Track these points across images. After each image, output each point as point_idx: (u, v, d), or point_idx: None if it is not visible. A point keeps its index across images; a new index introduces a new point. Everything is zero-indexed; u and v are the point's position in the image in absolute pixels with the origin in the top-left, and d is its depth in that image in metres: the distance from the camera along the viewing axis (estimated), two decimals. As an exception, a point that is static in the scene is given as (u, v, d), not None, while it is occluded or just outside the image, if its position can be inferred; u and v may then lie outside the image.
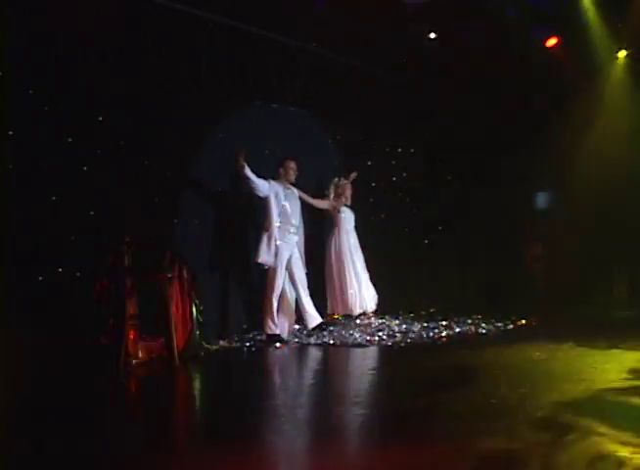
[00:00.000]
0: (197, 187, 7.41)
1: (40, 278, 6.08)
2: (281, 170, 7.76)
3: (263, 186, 7.46)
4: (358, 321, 8.46)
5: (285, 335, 7.59)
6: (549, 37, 9.41)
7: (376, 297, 8.91)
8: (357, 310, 8.67)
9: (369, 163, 9.46)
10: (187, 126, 7.24)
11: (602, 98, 10.26)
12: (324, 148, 8.94)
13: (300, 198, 7.97)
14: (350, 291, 8.63)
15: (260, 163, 8.01)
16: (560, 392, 4.71)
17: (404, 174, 10.06)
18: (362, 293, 8.72)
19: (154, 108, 6.95)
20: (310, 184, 8.59)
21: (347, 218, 8.88)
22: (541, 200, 13.05)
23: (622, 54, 9.97)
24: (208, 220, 7.49)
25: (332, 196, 8.76)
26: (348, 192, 8.86)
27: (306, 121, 8.75)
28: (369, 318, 8.67)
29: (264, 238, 7.42)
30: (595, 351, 6.30)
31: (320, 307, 8.12)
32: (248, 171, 7.26)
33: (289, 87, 8.42)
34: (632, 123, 10.20)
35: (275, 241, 7.45)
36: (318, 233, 8.88)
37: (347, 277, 8.65)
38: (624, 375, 5.21)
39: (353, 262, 8.73)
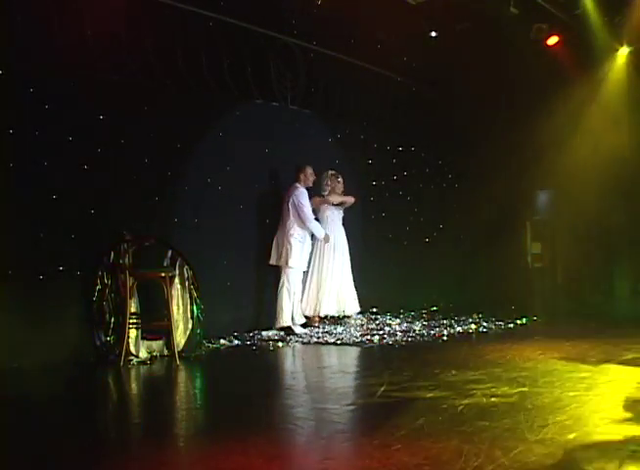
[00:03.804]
0: (197, 186, 7.40)
1: (40, 278, 6.08)
2: (302, 176, 8.03)
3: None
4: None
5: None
6: (549, 35, 9.30)
7: (356, 300, 8.56)
8: (333, 312, 8.40)
9: (369, 161, 9.45)
10: (187, 125, 7.25)
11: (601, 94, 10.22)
12: (324, 147, 8.92)
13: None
14: (327, 291, 8.35)
15: (261, 163, 8.03)
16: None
17: (404, 174, 10.06)
18: (341, 295, 8.45)
19: (154, 107, 6.95)
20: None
21: (333, 218, 8.53)
22: (541, 199, 13.04)
23: (624, 51, 9.83)
24: (209, 220, 7.48)
25: (327, 189, 8.57)
26: (340, 188, 8.56)
27: (306, 121, 8.73)
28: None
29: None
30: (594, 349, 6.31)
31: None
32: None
33: (289, 87, 8.42)
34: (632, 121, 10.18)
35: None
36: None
37: (326, 277, 8.37)
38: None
39: (334, 262, 8.42)
